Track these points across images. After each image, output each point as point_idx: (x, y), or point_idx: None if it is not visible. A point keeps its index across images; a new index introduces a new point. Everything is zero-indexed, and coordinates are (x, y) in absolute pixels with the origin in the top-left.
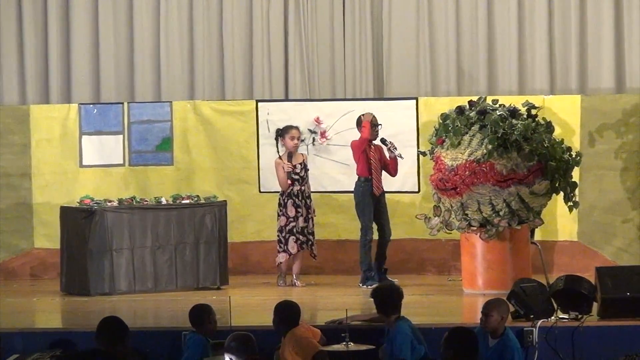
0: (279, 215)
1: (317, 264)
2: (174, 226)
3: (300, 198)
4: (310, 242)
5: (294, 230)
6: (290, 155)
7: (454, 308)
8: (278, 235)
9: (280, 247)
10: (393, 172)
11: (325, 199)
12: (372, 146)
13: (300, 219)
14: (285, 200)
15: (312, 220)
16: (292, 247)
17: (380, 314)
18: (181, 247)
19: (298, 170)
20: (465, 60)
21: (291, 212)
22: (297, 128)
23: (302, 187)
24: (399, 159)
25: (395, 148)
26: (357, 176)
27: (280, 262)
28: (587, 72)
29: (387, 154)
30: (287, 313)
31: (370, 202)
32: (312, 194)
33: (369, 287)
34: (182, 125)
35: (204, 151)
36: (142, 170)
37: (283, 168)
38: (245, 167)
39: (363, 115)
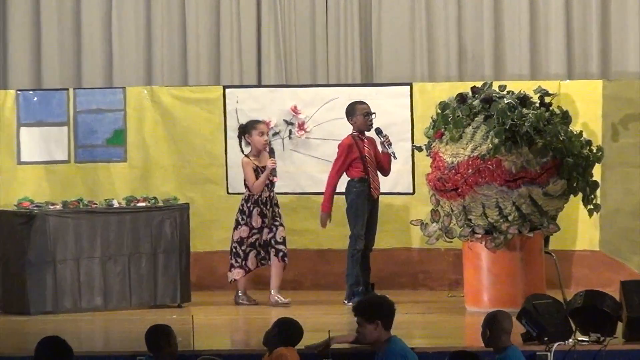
0: (239, 224)
1: (295, 277)
2: (128, 233)
3: (268, 206)
4: (280, 253)
5: (257, 243)
6: (273, 154)
7: (455, 329)
8: (235, 248)
9: (236, 261)
10: (386, 171)
11: (304, 202)
12: (364, 139)
13: (265, 231)
14: (251, 208)
15: (282, 228)
16: (252, 262)
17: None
18: (136, 258)
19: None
20: (468, 40)
21: (256, 222)
22: (264, 122)
23: (271, 194)
24: (392, 157)
25: (390, 144)
26: (353, 177)
27: (235, 279)
28: (611, 53)
29: (379, 148)
30: (290, 331)
31: (366, 205)
32: (289, 195)
33: None
34: (137, 115)
35: (162, 145)
36: (90, 167)
37: (254, 169)
38: (211, 164)
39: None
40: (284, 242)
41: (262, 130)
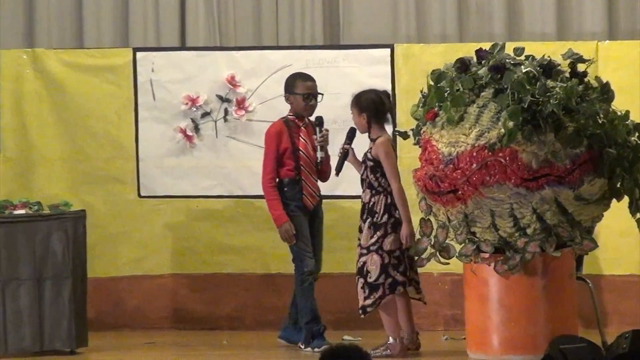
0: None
1: (231, 312)
2: (1, 252)
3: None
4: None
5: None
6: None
7: None
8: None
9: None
10: (324, 173)
11: (245, 208)
12: (301, 127)
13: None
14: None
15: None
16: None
17: None
18: (13, 287)
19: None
20: None
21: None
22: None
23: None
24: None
25: (325, 142)
26: (279, 179)
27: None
28: None
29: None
30: None
31: (303, 216)
32: (224, 198)
33: (316, 350)
34: (13, 88)
35: (49, 130)
36: None
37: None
38: (117, 157)
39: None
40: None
41: None
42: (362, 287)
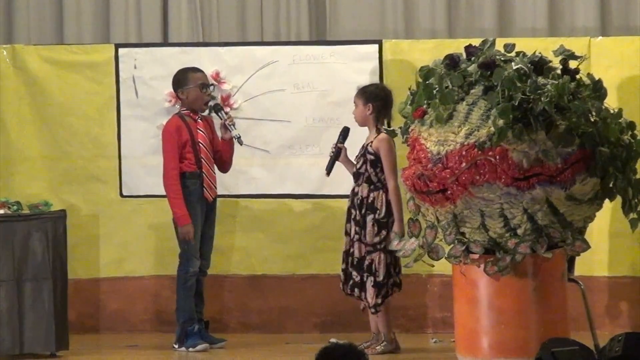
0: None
1: (215, 314)
2: None
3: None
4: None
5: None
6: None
7: None
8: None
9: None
10: (226, 163)
11: (230, 208)
12: (197, 120)
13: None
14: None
15: (360, 245)
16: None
17: None
18: None
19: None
20: None
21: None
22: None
23: (355, 188)
24: (236, 142)
25: (233, 124)
26: (180, 173)
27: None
28: None
29: (219, 132)
30: None
31: (199, 212)
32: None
33: (191, 349)
34: None
35: (29, 128)
36: None
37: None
38: (98, 155)
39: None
40: (356, 266)
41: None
42: (373, 286)
